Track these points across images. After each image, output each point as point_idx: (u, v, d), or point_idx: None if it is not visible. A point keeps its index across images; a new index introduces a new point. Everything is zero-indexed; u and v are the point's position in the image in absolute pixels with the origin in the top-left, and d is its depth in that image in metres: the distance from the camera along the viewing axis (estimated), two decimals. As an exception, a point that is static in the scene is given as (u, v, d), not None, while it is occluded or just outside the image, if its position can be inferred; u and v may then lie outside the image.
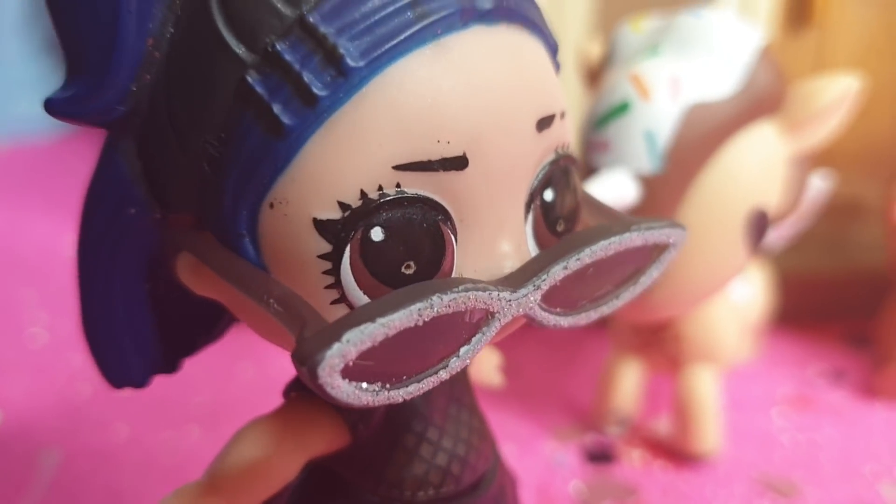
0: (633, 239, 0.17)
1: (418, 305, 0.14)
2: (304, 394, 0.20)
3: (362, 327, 0.14)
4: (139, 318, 0.19)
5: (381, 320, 0.14)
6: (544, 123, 0.17)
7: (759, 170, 0.31)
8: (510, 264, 0.17)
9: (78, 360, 0.45)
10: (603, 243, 0.17)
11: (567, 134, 0.18)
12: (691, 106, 0.30)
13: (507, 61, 0.16)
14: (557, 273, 0.16)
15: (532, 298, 0.16)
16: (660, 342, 0.37)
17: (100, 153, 0.17)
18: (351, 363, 0.14)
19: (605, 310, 0.19)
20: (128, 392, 0.42)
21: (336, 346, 0.14)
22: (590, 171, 0.31)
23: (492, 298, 0.16)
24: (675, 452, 0.38)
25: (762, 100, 0.31)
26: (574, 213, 0.19)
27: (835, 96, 0.32)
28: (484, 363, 0.26)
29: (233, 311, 0.18)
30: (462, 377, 0.22)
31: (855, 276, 0.49)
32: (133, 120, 0.17)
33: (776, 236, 0.38)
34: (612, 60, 0.33)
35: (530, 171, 0.17)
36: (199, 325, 0.21)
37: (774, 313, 0.46)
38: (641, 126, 0.30)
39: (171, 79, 0.16)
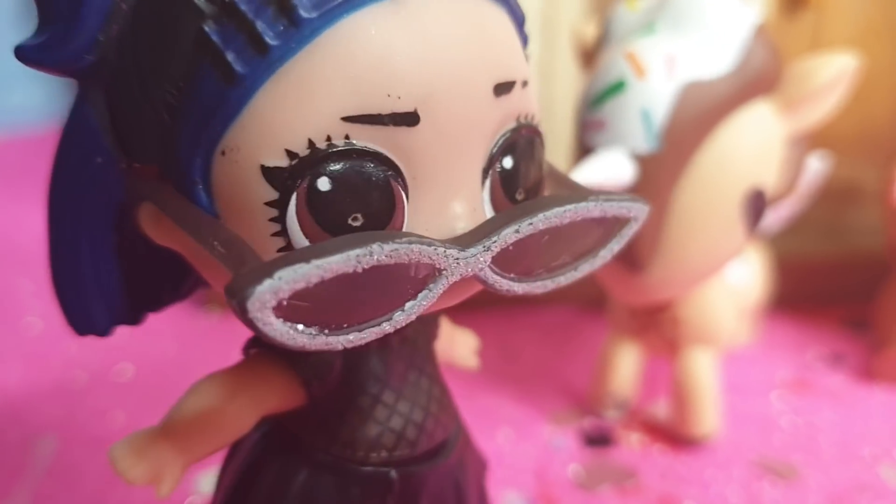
0: (591, 209, 0.17)
1: (357, 251, 0.14)
2: (262, 350, 0.20)
3: (296, 266, 0.14)
4: (105, 267, 0.19)
5: (315, 262, 0.14)
6: (502, 89, 0.17)
7: (756, 149, 0.31)
8: (462, 225, 0.17)
9: (74, 348, 0.45)
10: (557, 210, 0.17)
11: (530, 104, 0.18)
12: (687, 84, 0.30)
13: (465, 22, 0.17)
14: (509, 236, 0.16)
15: (482, 259, 0.16)
16: (657, 325, 0.37)
17: (71, 104, 0.18)
18: (284, 302, 0.14)
19: (561, 280, 0.18)
20: (125, 379, 0.42)
21: (267, 283, 0.14)
22: (586, 150, 0.31)
23: (437, 254, 0.16)
24: (674, 436, 0.38)
25: (758, 78, 0.31)
26: (537, 185, 0.19)
27: (832, 75, 0.32)
28: (461, 346, 0.26)
29: (190, 260, 0.19)
30: (425, 347, 0.22)
31: (853, 260, 0.48)
32: (101, 70, 0.17)
33: (774, 218, 0.38)
34: (608, 39, 0.33)
35: (488, 136, 0.17)
36: (166, 280, 0.21)
37: (773, 298, 0.46)
38: (637, 105, 0.30)
39: (136, 30, 0.16)
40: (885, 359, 0.43)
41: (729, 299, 0.38)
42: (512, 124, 0.18)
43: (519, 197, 0.18)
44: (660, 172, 0.30)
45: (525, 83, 0.18)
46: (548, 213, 0.17)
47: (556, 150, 0.48)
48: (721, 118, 0.30)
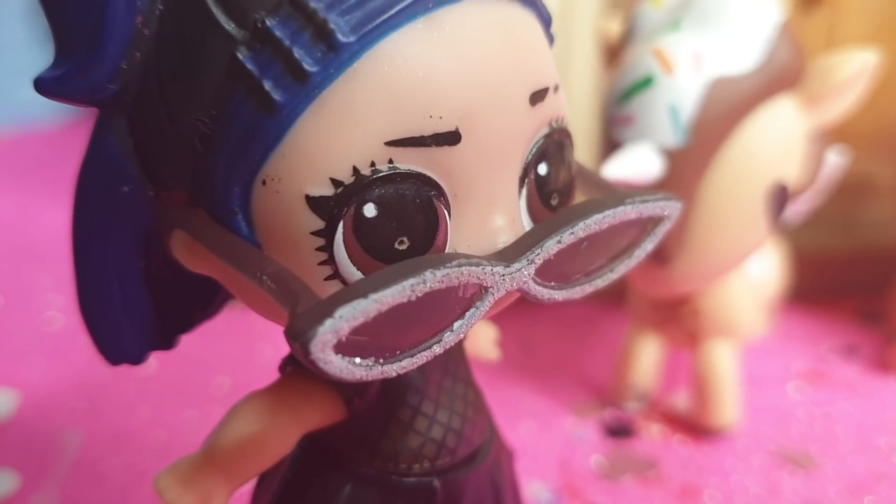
0: (628, 212, 0.17)
1: (411, 281, 0.14)
2: (300, 368, 0.20)
3: (354, 303, 0.14)
4: (134, 295, 0.19)
5: (373, 296, 0.14)
6: (537, 97, 0.17)
7: (779, 144, 0.32)
8: (504, 238, 0.17)
9: (96, 342, 0.46)
10: (597, 217, 0.17)
11: (561, 108, 0.18)
12: (714, 80, 0.30)
13: (500, 35, 0.16)
14: (551, 247, 0.16)
15: (526, 273, 0.16)
16: (678, 317, 0.37)
17: (92, 132, 0.17)
18: (344, 339, 0.14)
19: (599, 283, 0.18)
20: (148, 373, 0.43)
21: (328, 322, 0.14)
22: (613, 145, 0.31)
23: (485, 273, 0.16)
24: (694, 427, 0.38)
25: (782, 74, 0.31)
26: (569, 187, 0.19)
27: (853, 71, 0.32)
28: (481, 338, 0.26)
29: (227, 287, 0.18)
30: (457, 351, 0.22)
31: (867, 253, 0.49)
32: (124, 98, 0.16)
33: (793, 211, 0.39)
34: (633, 36, 0.34)
35: (524, 146, 0.17)
36: (195, 302, 0.21)
37: (789, 290, 0.47)
38: (665, 100, 0.30)
39: (161, 56, 0.16)
40: (899, 350, 0.43)
41: (749, 292, 0.38)
42: (545, 130, 0.18)
43: (554, 202, 0.18)
44: (687, 167, 0.30)
45: (556, 87, 0.18)
46: (588, 221, 0.17)
47: (575, 144, 0.49)
48: (747, 113, 0.31)
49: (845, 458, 0.37)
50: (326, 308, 0.14)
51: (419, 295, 0.15)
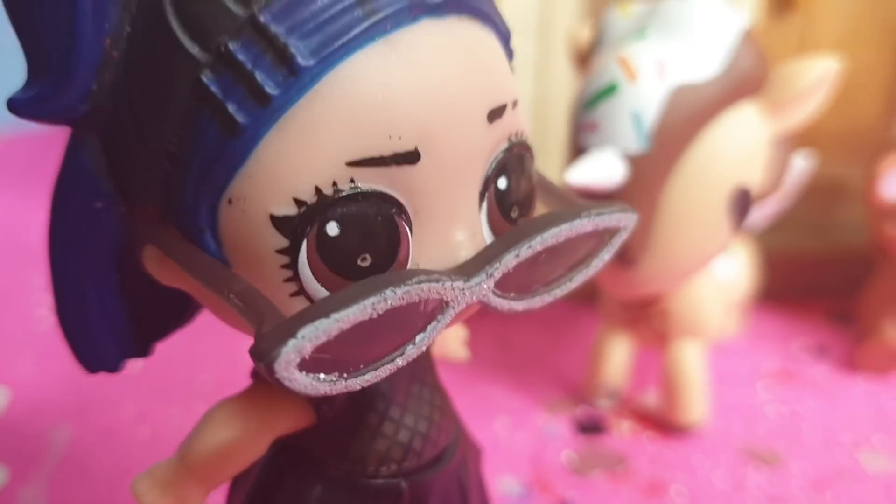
0: (584, 225, 0.18)
1: (372, 300, 0.15)
2: None
3: (317, 323, 0.14)
4: (111, 306, 0.19)
5: (335, 315, 0.14)
6: (496, 114, 0.17)
7: (742, 149, 0.33)
8: (465, 253, 0.17)
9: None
10: (553, 231, 0.17)
11: (520, 122, 0.18)
12: (676, 87, 0.31)
13: (458, 55, 0.17)
14: (509, 261, 0.17)
15: (485, 286, 0.17)
16: (648, 318, 0.38)
17: (65, 149, 0.18)
18: (307, 357, 0.15)
19: (557, 292, 0.19)
20: (134, 371, 0.44)
21: (291, 343, 0.14)
22: (579, 151, 0.32)
23: (445, 288, 0.16)
24: (663, 424, 0.39)
25: (745, 81, 0.32)
26: (529, 199, 0.19)
27: (815, 78, 0.33)
28: (450, 338, 0.27)
29: (199, 300, 0.19)
30: (424, 356, 0.23)
31: (837, 255, 0.50)
32: (96, 117, 0.17)
33: (760, 215, 0.40)
34: (601, 44, 0.35)
35: (483, 161, 0.18)
36: (170, 311, 0.21)
37: (760, 291, 0.48)
38: (629, 107, 0.31)
39: (130, 78, 0.16)
40: (868, 350, 0.44)
41: (717, 293, 0.39)
42: (504, 145, 0.18)
43: (514, 214, 0.19)
44: (650, 172, 0.31)
45: (515, 103, 0.18)
46: (545, 235, 0.17)
47: (552, 150, 0.50)
48: (709, 120, 0.32)
49: (811, 455, 0.37)
50: (289, 328, 0.14)
51: (380, 312, 0.15)
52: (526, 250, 0.17)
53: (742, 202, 0.33)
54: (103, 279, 0.19)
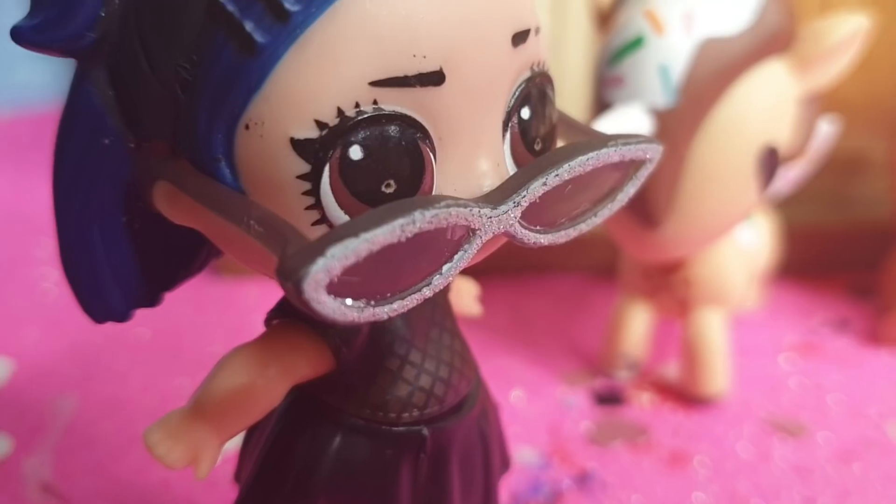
0: (611, 155, 0.17)
1: (401, 221, 0.14)
2: (286, 320, 0.20)
3: (346, 242, 0.14)
4: (118, 250, 0.19)
5: (364, 235, 0.14)
6: (520, 38, 0.17)
7: (770, 107, 0.32)
8: (489, 182, 0.17)
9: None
10: (581, 159, 0.17)
11: (542, 51, 0.18)
12: (704, 40, 0.30)
13: None
14: (537, 189, 0.16)
15: (512, 215, 0.16)
16: (669, 286, 0.37)
17: (70, 83, 0.17)
18: (336, 279, 0.14)
19: (583, 227, 0.19)
20: (141, 341, 0.43)
21: (321, 262, 0.14)
22: (604, 106, 0.32)
23: (473, 215, 0.16)
24: (685, 395, 0.38)
25: (773, 36, 0.31)
26: (551, 133, 0.19)
27: (845, 34, 0.32)
28: (463, 293, 0.26)
29: (212, 238, 0.18)
30: (443, 302, 0.22)
31: (859, 229, 0.49)
32: (103, 48, 0.16)
33: (785, 179, 0.39)
34: (625, 0, 0.34)
35: (507, 88, 0.17)
36: (179, 258, 0.21)
37: (781, 265, 0.47)
38: (655, 60, 0.30)
39: (140, 2, 0.16)
40: (890, 323, 0.44)
41: (740, 261, 0.38)
42: (527, 73, 0.18)
43: (537, 147, 0.18)
44: (677, 128, 0.30)
45: (538, 30, 0.18)
46: (572, 163, 0.17)
47: (556, 92, 0.48)
48: (737, 75, 0.31)
49: (836, 427, 0.37)
50: (318, 247, 0.14)
51: (409, 236, 0.14)
52: (553, 178, 0.17)
53: (770, 161, 0.32)
54: (110, 222, 0.18)
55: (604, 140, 0.18)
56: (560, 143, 0.20)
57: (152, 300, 0.20)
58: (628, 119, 0.30)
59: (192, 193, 0.16)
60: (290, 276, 0.14)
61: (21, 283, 0.51)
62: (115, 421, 0.37)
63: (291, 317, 0.20)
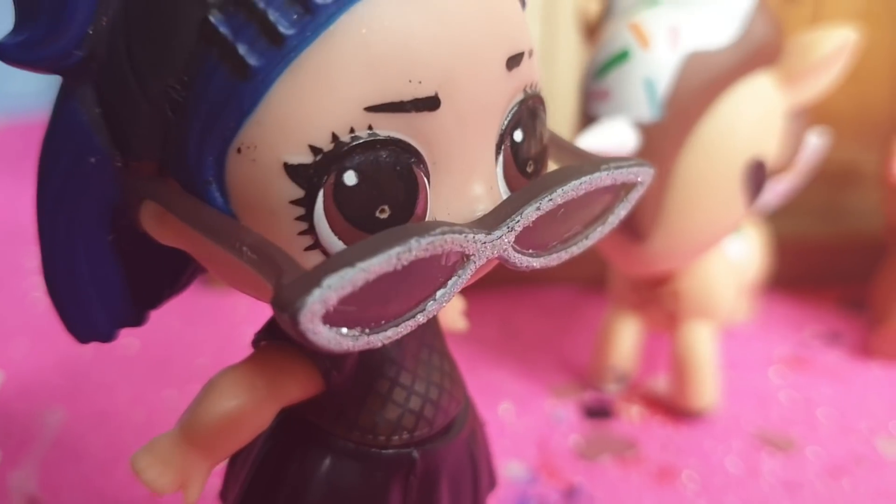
0: (603, 178, 0.17)
1: (397, 249, 0.14)
2: (274, 342, 0.20)
3: (342, 272, 0.14)
4: (103, 269, 0.18)
5: (360, 265, 0.14)
6: (514, 61, 0.17)
7: (757, 120, 0.32)
8: (483, 206, 0.17)
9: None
10: (574, 183, 0.17)
11: (535, 73, 0.18)
12: (690, 54, 0.30)
13: None
14: (531, 214, 0.16)
15: (506, 240, 0.16)
16: (658, 299, 0.37)
17: (55, 101, 0.17)
18: (331, 309, 0.14)
19: (574, 250, 0.19)
20: (130, 353, 0.43)
21: (317, 292, 0.13)
22: (590, 120, 0.31)
23: (468, 241, 0.16)
24: (673, 409, 0.38)
25: (760, 49, 0.31)
26: (543, 154, 0.19)
27: (833, 47, 0.32)
28: (449, 309, 0.26)
29: (200, 260, 0.18)
30: (432, 322, 0.22)
31: (850, 241, 0.49)
32: (90, 65, 0.16)
33: (774, 193, 0.39)
34: (612, 12, 0.34)
35: (501, 112, 0.17)
36: (165, 277, 0.20)
37: (771, 278, 0.47)
38: (641, 74, 0.30)
39: (129, 21, 0.16)
40: (882, 336, 0.43)
41: (729, 274, 0.38)
42: (520, 96, 0.18)
43: (529, 169, 0.18)
44: (662, 142, 0.30)
45: (531, 52, 0.18)
46: (565, 188, 0.17)
47: (558, 129, 0.49)
48: (723, 88, 0.31)
49: (826, 442, 0.36)
50: (314, 277, 0.14)
51: (404, 263, 0.14)
52: (547, 203, 0.17)
53: (757, 175, 0.32)
54: (95, 241, 0.18)
55: (596, 163, 0.18)
56: (551, 164, 0.20)
57: (138, 319, 0.20)
58: (614, 133, 0.30)
59: (181, 216, 0.16)
60: (286, 307, 0.14)
61: (10, 294, 0.51)
62: (102, 434, 0.36)
63: (280, 339, 0.20)
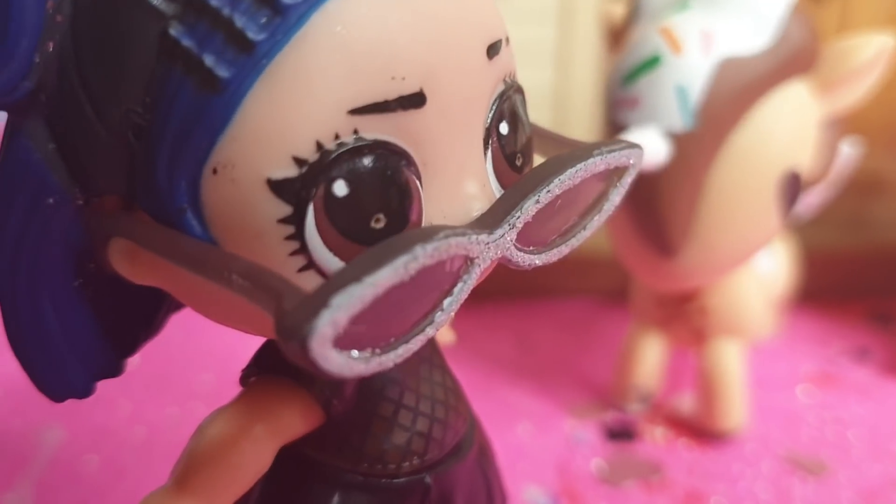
0: (597, 164, 0.17)
1: (403, 259, 0.13)
2: (265, 377, 0.19)
3: (349, 289, 0.12)
4: (73, 319, 0.17)
5: (367, 279, 0.13)
6: (493, 50, 0.16)
7: (793, 130, 0.30)
8: (479, 206, 0.16)
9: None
10: (570, 171, 0.16)
11: (512, 62, 0.17)
12: (724, 60, 0.29)
13: None
14: (530, 208, 0.16)
15: (508, 238, 0.16)
16: (684, 315, 0.36)
17: (2, 140, 0.16)
18: (341, 331, 0.13)
19: (574, 242, 0.18)
20: (130, 369, 0.41)
21: (326, 314, 0.12)
22: (617, 128, 0.30)
23: (471, 243, 0.15)
24: (699, 430, 0.37)
25: (796, 56, 0.30)
26: (529, 146, 0.18)
27: (870, 55, 0.31)
28: None
29: (179, 296, 0.17)
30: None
31: (879, 254, 0.47)
32: (39, 97, 0.15)
33: (805, 204, 0.37)
34: (638, 16, 0.32)
35: (485, 105, 0.17)
36: (138, 320, 0.19)
37: (798, 291, 0.45)
38: (673, 81, 0.29)
39: (79, 44, 0.14)
40: (913, 353, 0.42)
41: (758, 289, 0.37)
42: (501, 87, 0.17)
43: (518, 162, 0.17)
44: (695, 152, 0.29)
45: (507, 40, 0.17)
46: (562, 177, 0.16)
47: (575, 135, 0.47)
48: (758, 96, 0.29)
49: (858, 465, 0.35)
50: (321, 298, 0.12)
51: (411, 273, 0.13)
52: (546, 195, 0.16)
53: (792, 187, 0.31)
54: (62, 289, 0.17)
55: (588, 149, 0.17)
56: (537, 156, 0.19)
57: (116, 369, 0.19)
58: (644, 143, 0.28)
59: (156, 250, 0.15)
60: (293, 334, 0.12)
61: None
62: (101, 453, 0.35)
63: (269, 372, 0.19)
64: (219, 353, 0.43)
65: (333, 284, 0.13)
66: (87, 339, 0.17)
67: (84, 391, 0.18)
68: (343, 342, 0.13)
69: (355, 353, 0.14)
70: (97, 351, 0.18)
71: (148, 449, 0.35)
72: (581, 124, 0.46)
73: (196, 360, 0.42)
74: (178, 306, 0.20)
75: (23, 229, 0.16)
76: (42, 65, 0.14)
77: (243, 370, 0.19)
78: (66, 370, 0.18)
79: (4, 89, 0.14)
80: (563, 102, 0.47)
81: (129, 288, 0.17)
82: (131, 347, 0.19)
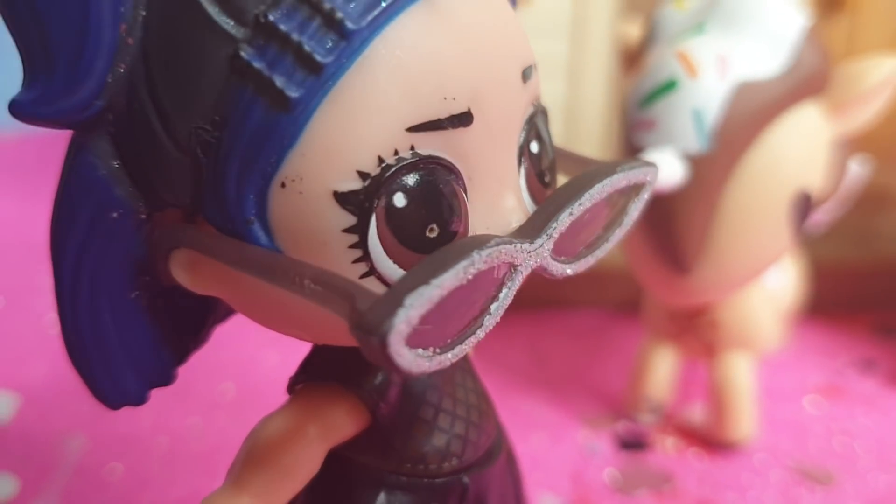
0: (620, 180, 0.18)
1: (463, 263, 0.14)
2: (313, 383, 0.20)
3: (420, 290, 0.14)
4: (131, 330, 0.18)
5: (434, 282, 0.14)
6: (527, 73, 0.17)
7: (805, 151, 0.31)
8: (517, 218, 0.17)
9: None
10: (598, 186, 0.17)
11: (539, 85, 0.19)
12: (740, 84, 0.29)
13: (490, 13, 0.17)
14: (565, 220, 0.17)
15: (546, 248, 0.17)
16: (696, 329, 0.37)
17: (66, 157, 0.16)
18: (413, 329, 0.14)
19: (598, 253, 0.19)
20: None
21: (402, 312, 0.13)
22: (634, 150, 0.31)
23: (517, 251, 0.16)
24: (710, 440, 0.37)
25: (809, 79, 0.30)
26: (554, 165, 0.19)
27: (881, 77, 0.31)
28: None
29: (238, 303, 0.18)
30: None
31: (885, 266, 0.48)
32: (106, 115, 0.16)
33: (814, 221, 0.38)
34: (655, 39, 0.33)
35: (519, 125, 0.18)
36: (188, 330, 0.20)
37: (805, 303, 0.46)
38: (689, 104, 0.29)
39: (150, 65, 0.15)
40: (918, 365, 0.43)
41: (768, 304, 0.37)
42: (531, 109, 0.18)
43: (546, 179, 0.19)
44: (710, 173, 0.30)
45: (536, 66, 0.18)
46: (592, 191, 0.17)
47: (586, 150, 0.48)
48: (773, 119, 0.30)
49: (865, 476, 0.36)
50: (395, 298, 0.13)
51: (469, 277, 0.14)
52: (578, 208, 0.17)
53: (803, 207, 0.31)
54: (121, 300, 0.17)
55: (612, 166, 0.18)
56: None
57: (168, 378, 0.20)
58: (661, 164, 0.29)
59: (224, 259, 0.16)
60: (373, 330, 0.13)
61: (26, 313, 0.50)
62: (124, 462, 0.35)
63: (318, 378, 0.20)
64: (240, 363, 0.43)
65: (405, 286, 0.14)
66: (143, 349, 0.18)
67: (138, 399, 0.19)
68: (413, 340, 0.14)
69: (421, 350, 0.15)
70: (152, 360, 0.19)
71: (171, 458, 0.36)
72: (592, 138, 0.47)
73: (217, 370, 0.43)
74: (223, 317, 0.21)
75: (86, 243, 0.17)
76: (113, 85, 0.15)
77: (291, 378, 0.20)
78: (123, 379, 0.18)
79: (78, 107, 0.15)
80: (574, 116, 0.48)
81: (180, 300, 0.18)
82: (182, 356, 0.20)
